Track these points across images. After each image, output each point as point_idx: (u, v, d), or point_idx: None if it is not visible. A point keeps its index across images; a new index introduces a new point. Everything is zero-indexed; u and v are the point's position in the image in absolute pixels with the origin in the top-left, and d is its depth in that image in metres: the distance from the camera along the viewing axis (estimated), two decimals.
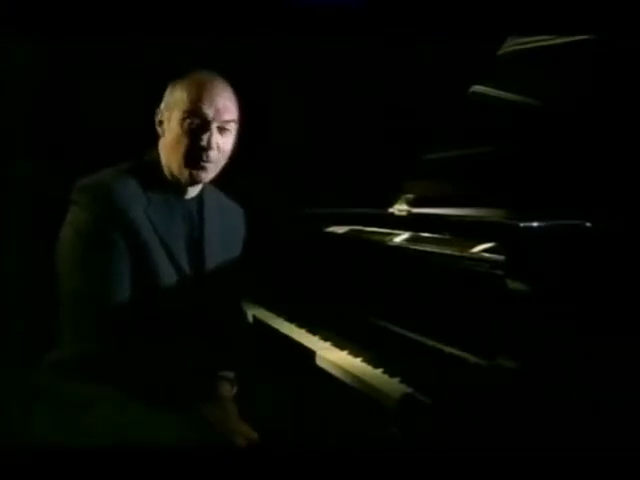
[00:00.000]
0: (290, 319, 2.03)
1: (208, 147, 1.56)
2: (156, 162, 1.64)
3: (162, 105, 1.62)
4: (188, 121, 1.56)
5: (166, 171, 1.63)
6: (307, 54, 2.56)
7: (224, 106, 1.58)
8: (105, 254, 1.52)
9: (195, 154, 1.57)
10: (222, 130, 1.59)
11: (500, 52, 1.98)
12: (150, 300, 1.56)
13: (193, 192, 1.68)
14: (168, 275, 1.59)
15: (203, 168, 1.59)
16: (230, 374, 1.69)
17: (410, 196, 1.91)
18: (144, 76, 2.39)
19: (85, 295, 1.51)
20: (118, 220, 1.53)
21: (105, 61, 2.48)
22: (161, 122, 1.62)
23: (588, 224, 1.31)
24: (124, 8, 1.84)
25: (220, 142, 1.58)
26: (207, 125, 1.56)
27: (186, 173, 1.59)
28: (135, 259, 1.54)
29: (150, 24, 1.85)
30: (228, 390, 1.67)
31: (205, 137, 1.56)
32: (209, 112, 1.56)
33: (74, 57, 2.45)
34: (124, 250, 1.53)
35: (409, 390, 1.41)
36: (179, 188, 1.64)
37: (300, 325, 1.96)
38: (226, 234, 1.75)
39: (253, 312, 2.14)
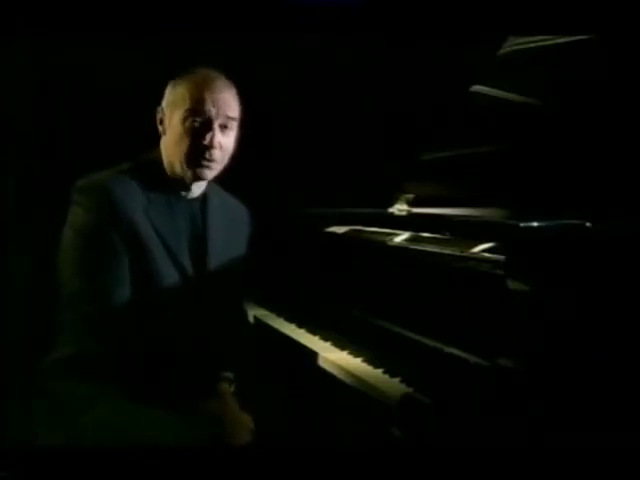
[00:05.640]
0: (290, 319, 2.03)
1: (210, 146, 1.56)
2: (157, 161, 1.63)
3: (163, 103, 1.62)
4: (190, 120, 1.55)
5: (168, 169, 1.63)
6: (307, 54, 2.56)
7: (226, 104, 1.58)
8: (105, 255, 1.52)
9: (197, 153, 1.57)
10: (224, 128, 1.58)
11: (500, 52, 1.98)
12: (151, 300, 1.56)
13: (197, 191, 1.68)
14: (169, 275, 1.59)
15: (206, 167, 1.59)
16: (229, 374, 1.69)
17: (410, 196, 1.91)
18: (144, 75, 2.39)
19: (85, 296, 1.51)
20: (118, 221, 1.53)
21: (105, 60, 2.47)
22: (162, 120, 1.62)
23: (588, 224, 1.31)
24: (124, 5, 1.83)
25: (222, 140, 1.58)
26: (209, 124, 1.56)
27: (189, 172, 1.59)
28: (136, 259, 1.54)
29: (150, 22, 1.85)
30: (226, 388, 1.67)
31: (208, 136, 1.56)
32: (211, 110, 1.55)
33: (73, 55, 2.44)
34: (124, 251, 1.53)
35: (409, 390, 1.41)
36: (182, 187, 1.64)
37: (300, 325, 1.96)
38: (230, 233, 1.75)
39: (254, 312, 2.15)
